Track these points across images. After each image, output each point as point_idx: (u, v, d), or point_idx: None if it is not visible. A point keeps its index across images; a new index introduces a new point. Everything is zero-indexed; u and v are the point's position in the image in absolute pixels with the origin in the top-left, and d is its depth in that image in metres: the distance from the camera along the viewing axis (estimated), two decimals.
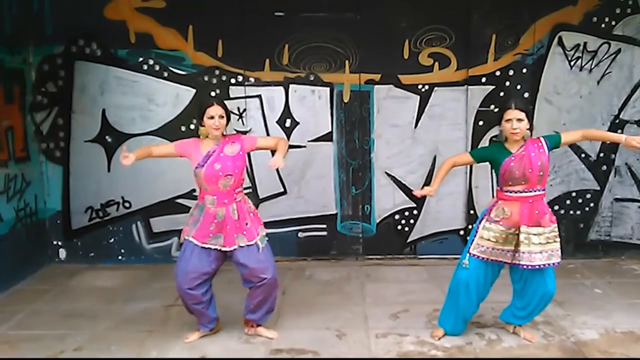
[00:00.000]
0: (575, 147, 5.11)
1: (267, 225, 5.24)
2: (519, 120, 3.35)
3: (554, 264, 3.43)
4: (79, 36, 5.06)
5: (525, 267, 3.40)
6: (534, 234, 3.38)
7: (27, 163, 5.04)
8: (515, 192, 3.41)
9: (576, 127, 5.10)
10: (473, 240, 3.50)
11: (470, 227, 5.25)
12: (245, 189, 5.16)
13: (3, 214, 4.66)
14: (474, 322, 3.85)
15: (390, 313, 4.06)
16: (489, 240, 3.45)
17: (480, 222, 3.52)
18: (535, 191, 3.40)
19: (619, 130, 5.08)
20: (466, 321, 3.67)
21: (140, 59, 5.08)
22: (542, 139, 3.46)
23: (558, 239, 3.46)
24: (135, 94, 5.12)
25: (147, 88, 5.12)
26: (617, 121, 5.09)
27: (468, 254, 3.50)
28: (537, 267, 3.40)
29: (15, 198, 4.83)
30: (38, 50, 5.06)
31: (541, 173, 3.39)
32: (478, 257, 3.47)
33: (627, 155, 5.13)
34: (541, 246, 3.39)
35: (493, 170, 3.57)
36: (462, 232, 5.29)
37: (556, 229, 3.46)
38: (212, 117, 3.42)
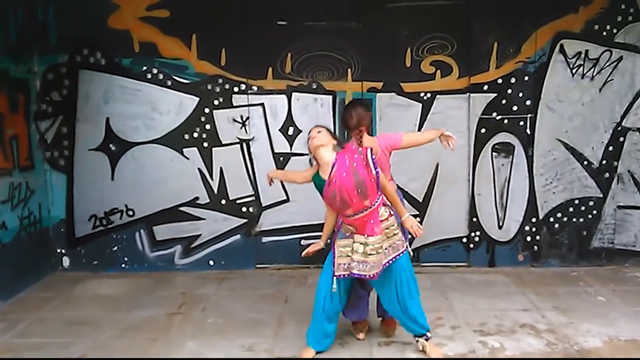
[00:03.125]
0: (577, 155, 5.12)
1: (270, 232, 5.34)
2: (319, 132, 3.38)
3: (372, 275, 3.31)
4: (83, 45, 5.10)
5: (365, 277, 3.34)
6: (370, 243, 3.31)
7: (32, 172, 5.06)
8: (350, 216, 3.31)
9: (578, 134, 5.13)
10: (333, 263, 3.39)
11: (473, 234, 5.25)
12: (248, 196, 5.26)
13: (7, 222, 4.68)
14: (477, 330, 3.85)
15: None
16: (347, 256, 3.35)
17: (334, 244, 3.43)
18: (365, 210, 3.28)
19: (621, 138, 5.10)
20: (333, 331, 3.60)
21: (144, 67, 5.12)
22: (368, 148, 3.32)
23: (380, 251, 3.31)
24: (139, 103, 5.16)
25: (150, 97, 5.15)
26: (619, 128, 5.09)
27: (334, 277, 3.37)
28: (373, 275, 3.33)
29: (19, 206, 4.86)
30: (43, 59, 5.10)
31: (359, 190, 3.22)
32: (342, 275, 3.37)
33: (629, 163, 5.13)
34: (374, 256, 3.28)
35: None
36: (464, 240, 5.28)
37: (379, 241, 3.30)
38: None
